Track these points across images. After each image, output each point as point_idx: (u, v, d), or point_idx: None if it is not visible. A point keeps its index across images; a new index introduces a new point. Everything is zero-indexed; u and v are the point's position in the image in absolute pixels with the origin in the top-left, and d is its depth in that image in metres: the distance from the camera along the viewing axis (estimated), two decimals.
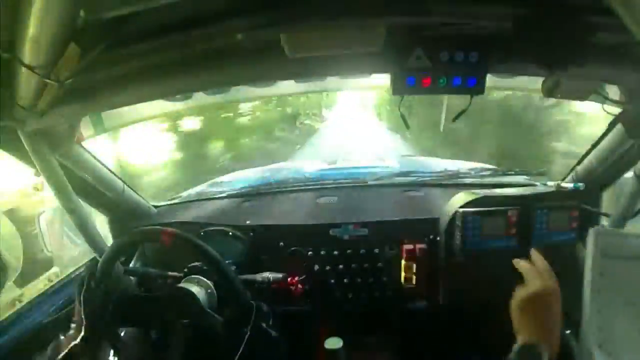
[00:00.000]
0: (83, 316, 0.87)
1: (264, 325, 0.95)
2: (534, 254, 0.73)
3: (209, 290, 0.96)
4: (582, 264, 1.09)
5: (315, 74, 0.91)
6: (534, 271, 0.67)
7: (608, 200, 1.17)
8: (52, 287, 1.08)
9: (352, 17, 0.54)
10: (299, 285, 1.12)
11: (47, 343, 0.97)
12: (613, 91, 0.81)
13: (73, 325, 0.93)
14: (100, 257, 0.96)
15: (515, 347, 0.61)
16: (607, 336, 0.48)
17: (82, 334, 0.86)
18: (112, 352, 0.96)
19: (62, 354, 0.84)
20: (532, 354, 0.59)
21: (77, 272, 1.16)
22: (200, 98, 1.18)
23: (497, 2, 0.54)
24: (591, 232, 0.50)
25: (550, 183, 1.14)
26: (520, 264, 0.70)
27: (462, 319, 1.21)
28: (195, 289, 0.94)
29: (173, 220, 1.22)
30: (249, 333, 0.87)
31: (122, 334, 1.00)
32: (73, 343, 0.85)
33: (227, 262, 0.97)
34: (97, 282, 0.90)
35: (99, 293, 0.90)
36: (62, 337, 0.95)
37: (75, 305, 0.91)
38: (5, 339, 0.89)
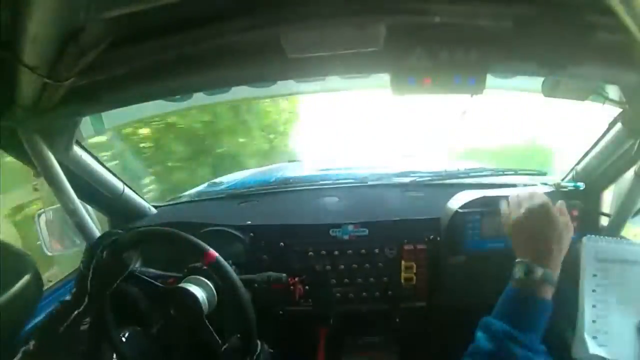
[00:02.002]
0: (89, 285, 0.87)
1: None
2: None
3: (210, 292, 0.96)
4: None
5: (315, 74, 0.91)
6: (538, 195, 0.71)
7: (608, 200, 1.17)
8: (52, 286, 1.08)
9: (352, 16, 0.54)
10: (299, 286, 1.12)
11: (48, 342, 0.97)
12: (613, 91, 0.81)
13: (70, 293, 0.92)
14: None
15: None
16: (601, 328, 0.52)
17: (87, 302, 0.86)
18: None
19: (66, 323, 0.83)
20: (522, 267, 0.64)
21: (76, 272, 1.16)
22: (200, 98, 1.18)
23: (497, 2, 0.54)
24: (584, 240, 0.53)
25: (550, 183, 1.14)
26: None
27: (462, 319, 1.20)
28: (195, 290, 0.94)
29: (172, 221, 1.22)
30: None
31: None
32: (77, 311, 0.84)
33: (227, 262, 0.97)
34: (113, 254, 0.90)
35: (109, 266, 0.90)
36: (58, 304, 0.93)
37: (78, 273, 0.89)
38: (4, 339, 0.88)
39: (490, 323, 0.65)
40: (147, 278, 1.04)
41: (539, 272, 0.63)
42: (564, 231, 0.66)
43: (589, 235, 0.53)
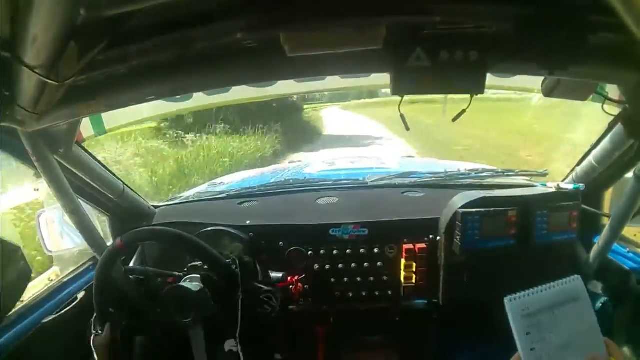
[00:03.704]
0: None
1: (256, 284, 0.99)
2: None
3: (209, 289, 0.96)
4: (582, 264, 1.10)
5: (315, 73, 0.91)
6: None
7: (608, 201, 1.17)
8: (52, 286, 1.08)
9: (352, 16, 0.54)
10: (299, 285, 1.12)
11: (49, 342, 0.97)
12: (613, 91, 0.81)
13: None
14: (100, 256, 0.96)
15: None
16: None
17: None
18: None
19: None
20: None
21: (77, 272, 1.16)
22: (200, 98, 1.18)
23: (497, 2, 0.54)
24: (506, 301, 0.52)
25: (550, 184, 1.14)
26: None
27: (462, 318, 1.21)
28: (195, 287, 0.94)
29: (172, 221, 1.22)
30: (241, 296, 0.91)
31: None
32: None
33: (227, 261, 0.97)
34: (102, 326, 0.96)
35: (107, 335, 0.96)
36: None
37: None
38: (6, 338, 0.89)
39: None
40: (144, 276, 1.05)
41: None
42: None
43: (507, 297, 0.52)
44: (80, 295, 1.10)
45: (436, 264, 1.12)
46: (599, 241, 1.06)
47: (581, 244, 1.15)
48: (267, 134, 8.79)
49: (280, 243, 1.15)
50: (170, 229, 0.94)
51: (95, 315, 0.95)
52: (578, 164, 1.13)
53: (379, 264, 1.15)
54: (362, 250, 1.14)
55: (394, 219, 1.15)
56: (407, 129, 0.83)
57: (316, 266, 1.15)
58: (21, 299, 0.98)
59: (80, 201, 1.00)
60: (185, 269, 1.02)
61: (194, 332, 0.93)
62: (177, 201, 1.48)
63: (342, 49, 0.59)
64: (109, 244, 1.04)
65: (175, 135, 8.23)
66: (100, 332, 0.94)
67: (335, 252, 1.15)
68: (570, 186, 1.08)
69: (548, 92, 0.78)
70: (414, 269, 1.12)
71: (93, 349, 0.93)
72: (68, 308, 1.04)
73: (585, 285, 0.57)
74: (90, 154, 1.04)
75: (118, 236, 0.93)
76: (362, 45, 0.58)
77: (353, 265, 1.15)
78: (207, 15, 0.55)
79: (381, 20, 0.55)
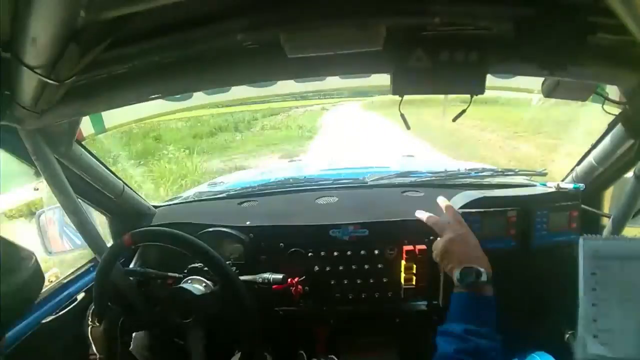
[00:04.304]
0: (96, 351, 0.96)
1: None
2: (441, 201, 0.99)
3: (210, 290, 0.96)
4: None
5: (315, 74, 0.91)
6: (441, 223, 0.91)
7: (608, 201, 1.17)
8: (52, 287, 1.08)
9: (352, 17, 0.54)
10: (299, 286, 1.12)
11: (48, 342, 0.97)
12: (613, 91, 0.81)
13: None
14: (100, 257, 0.97)
15: (455, 272, 0.78)
16: (602, 327, 0.51)
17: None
18: None
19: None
20: (471, 272, 0.76)
21: (77, 273, 1.16)
22: (200, 98, 1.18)
23: (497, 3, 0.54)
24: (580, 240, 0.52)
25: (550, 184, 1.14)
26: (425, 217, 0.95)
27: None
28: (196, 289, 0.94)
29: (172, 221, 1.22)
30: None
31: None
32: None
33: (227, 263, 0.97)
34: (100, 319, 0.99)
35: (105, 327, 1.00)
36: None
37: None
38: (6, 338, 0.89)
39: (449, 327, 0.74)
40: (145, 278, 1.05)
41: (484, 274, 0.76)
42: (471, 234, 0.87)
43: (585, 235, 0.53)
44: (80, 296, 1.10)
45: (436, 265, 1.12)
46: None
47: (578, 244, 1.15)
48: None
49: (281, 244, 1.15)
50: (190, 236, 0.94)
51: (93, 306, 0.95)
52: (578, 164, 1.13)
53: (379, 265, 1.14)
54: (362, 252, 1.14)
55: (394, 220, 1.15)
56: (408, 128, 0.83)
57: (316, 268, 1.15)
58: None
59: (80, 201, 1.00)
60: (185, 271, 1.02)
61: (192, 333, 0.93)
62: (177, 201, 1.47)
63: (342, 50, 0.59)
64: (109, 244, 1.04)
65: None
66: (97, 324, 0.94)
67: (335, 253, 1.15)
68: (570, 186, 1.08)
69: (548, 92, 0.78)
70: (414, 271, 1.12)
71: (90, 340, 0.93)
72: (68, 308, 1.04)
73: None
74: (90, 152, 1.04)
75: (118, 236, 0.93)
76: (362, 45, 0.58)
77: (353, 266, 1.15)
78: (207, 16, 0.55)
79: (381, 20, 0.55)
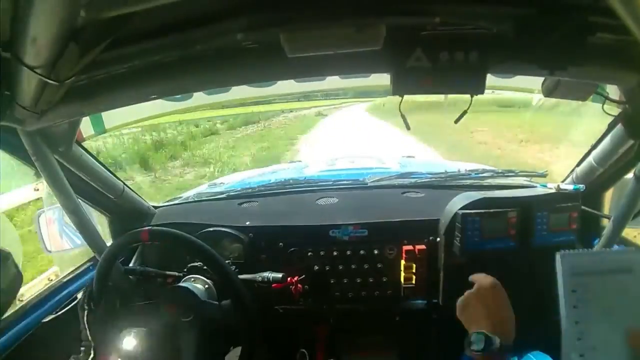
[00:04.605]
0: (90, 338, 0.92)
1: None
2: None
3: (209, 289, 0.96)
4: None
5: (315, 73, 0.91)
6: (478, 277, 0.79)
7: (608, 202, 1.17)
8: (52, 286, 1.08)
9: (352, 17, 0.54)
10: (299, 285, 1.12)
11: (48, 342, 0.97)
12: (613, 91, 0.81)
13: (82, 347, 0.96)
14: (100, 257, 0.97)
15: (472, 336, 0.69)
16: (587, 344, 0.49)
17: (92, 356, 0.92)
18: None
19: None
20: (480, 338, 0.67)
21: (77, 272, 1.16)
22: (200, 98, 1.18)
23: (497, 3, 0.54)
24: (558, 256, 0.51)
25: (550, 184, 1.14)
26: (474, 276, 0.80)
27: None
28: (194, 288, 0.94)
29: (172, 221, 1.22)
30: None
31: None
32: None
33: (227, 262, 0.97)
34: (96, 303, 0.96)
35: (100, 312, 0.96)
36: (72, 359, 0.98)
37: (81, 328, 0.95)
38: (6, 338, 0.89)
39: None
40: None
41: (497, 342, 0.66)
42: (506, 299, 0.73)
43: (562, 251, 0.52)
44: (80, 295, 1.10)
45: (436, 265, 1.12)
46: (599, 242, 1.06)
47: (581, 245, 1.15)
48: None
49: (280, 244, 1.15)
50: (207, 246, 0.94)
51: (90, 289, 0.95)
52: (578, 165, 1.13)
53: (378, 265, 1.14)
54: (362, 252, 1.14)
55: (393, 220, 1.15)
56: (408, 128, 0.83)
57: (316, 267, 1.15)
58: (20, 299, 0.99)
59: (80, 201, 1.00)
60: (185, 269, 1.02)
61: (190, 331, 0.93)
62: (177, 201, 1.48)
63: (342, 50, 0.59)
64: (108, 244, 1.04)
65: None
66: (93, 307, 0.94)
67: (335, 253, 1.15)
68: (571, 187, 1.08)
69: (548, 92, 0.78)
70: (414, 270, 1.12)
71: (85, 325, 0.93)
72: (68, 308, 1.04)
73: None
74: (90, 153, 1.05)
75: (117, 236, 0.93)
76: (362, 45, 0.57)
77: (353, 266, 1.15)
78: (207, 16, 0.55)
79: (381, 20, 0.55)
